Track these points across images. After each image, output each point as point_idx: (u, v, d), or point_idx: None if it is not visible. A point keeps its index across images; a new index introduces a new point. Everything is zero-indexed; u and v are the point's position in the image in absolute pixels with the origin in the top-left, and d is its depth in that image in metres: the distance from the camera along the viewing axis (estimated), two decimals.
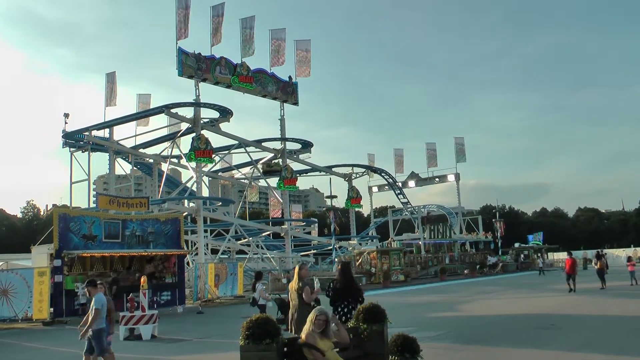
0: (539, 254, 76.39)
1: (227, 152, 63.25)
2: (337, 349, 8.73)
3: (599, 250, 55.27)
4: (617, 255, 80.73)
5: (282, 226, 61.48)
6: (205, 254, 53.08)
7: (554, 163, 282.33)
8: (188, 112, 51.89)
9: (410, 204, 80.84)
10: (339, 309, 12.06)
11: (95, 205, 41.98)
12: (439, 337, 16.30)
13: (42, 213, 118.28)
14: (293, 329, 12.49)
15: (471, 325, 19.30)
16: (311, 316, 8.73)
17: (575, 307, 23.23)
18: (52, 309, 26.99)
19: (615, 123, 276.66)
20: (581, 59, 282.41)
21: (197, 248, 50.87)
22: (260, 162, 64.05)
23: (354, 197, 71.07)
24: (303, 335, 8.56)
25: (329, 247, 61.41)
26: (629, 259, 38.23)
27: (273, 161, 65.13)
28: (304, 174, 72.06)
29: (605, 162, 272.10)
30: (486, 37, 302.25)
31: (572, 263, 33.32)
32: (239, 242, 62.73)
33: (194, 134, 50.05)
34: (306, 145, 64.83)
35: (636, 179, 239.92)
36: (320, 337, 8.52)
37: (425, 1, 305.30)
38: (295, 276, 12.92)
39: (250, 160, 61.83)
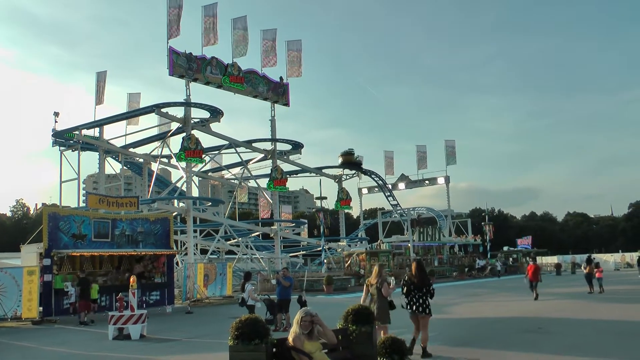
0: (527, 258, 76.54)
1: (217, 152, 63.33)
2: (326, 350, 8.78)
3: (589, 255, 55.24)
4: (606, 260, 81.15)
5: (272, 227, 61.56)
6: (194, 254, 53.04)
7: (544, 168, 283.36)
8: (178, 112, 52.01)
9: (399, 206, 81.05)
10: (414, 299, 13.78)
11: (84, 204, 41.97)
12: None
13: (31, 212, 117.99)
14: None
15: (459, 327, 19.37)
16: (297, 317, 8.79)
17: (562, 311, 23.34)
18: (41, 308, 26.92)
19: (606, 129, 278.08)
20: (573, 65, 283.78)
21: (186, 248, 50.92)
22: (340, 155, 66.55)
23: (343, 198, 71.32)
24: (290, 338, 8.61)
25: (319, 248, 61.48)
26: (597, 265, 37.42)
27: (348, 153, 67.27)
28: (294, 175, 72.23)
29: (595, 167, 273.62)
30: (478, 41, 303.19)
31: (534, 270, 32.05)
32: (229, 242, 62.75)
33: (184, 134, 50.13)
34: (296, 146, 64.95)
35: (625, 184, 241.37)
36: (307, 339, 8.56)
37: (419, 5, 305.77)
38: (374, 273, 14.29)
39: (240, 160, 61.87)
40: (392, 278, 14.82)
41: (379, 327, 12.95)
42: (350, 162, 75.74)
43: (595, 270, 35.43)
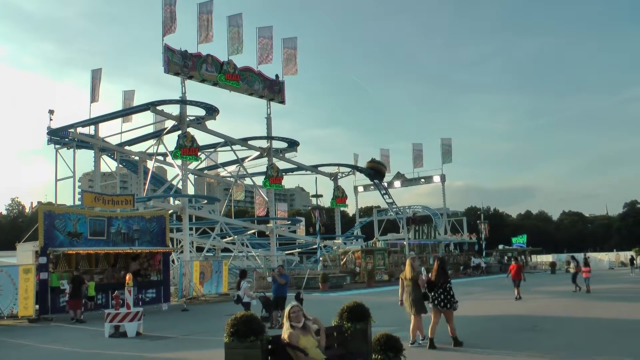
0: (522, 257, 76.68)
1: (213, 150, 63.42)
2: (319, 346, 8.83)
3: (572, 255, 55.19)
4: (600, 259, 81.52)
5: (268, 224, 61.54)
6: (190, 251, 53.13)
7: (540, 167, 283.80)
8: (174, 110, 51.92)
9: (395, 204, 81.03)
10: (436, 294, 14.96)
11: (80, 202, 41.97)
12: None
13: (27, 210, 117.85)
14: (408, 307, 15.26)
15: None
16: (286, 313, 8.89)
17: (557, 309, 23.42)
18: (37, 306, 26.97)
19: (603, 128, 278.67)
20: (571, 64, 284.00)
21: (182, 246, 50.92)
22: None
23: (339, 196, 71.30)
24: (285, 335, 8.67)
25: (314, 246, 61.53)
26: (586, 263, 36.83)
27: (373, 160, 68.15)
28: (290, 173, 72.16)
29: (591, 167, 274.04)
30: (476, 40, 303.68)
31: (517, 268, 31.55)
32: (224, 240, 62.82)
33: (179, 132, 50.07)
34: (292, 144, 64.97)
35: (621, 184, 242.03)
36: (302, 334, 8.63)
37: (415, 3, 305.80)
38: (408, 267, 15.48)
39: (236, 158, 61.88)
40: (424, 268, 15.79)
41: (416, 316, 15.12)
42: (377, 169, 77.10)
43: (582, 269, 35.03)
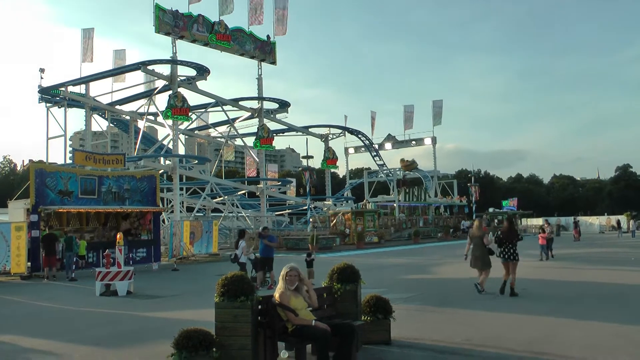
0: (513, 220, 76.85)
1: (203, 110, 63.26)
2: (310, 308, 8.93)
3: (546, 219, 54.77)
4: (591, 222, 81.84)
5: (258, 185, 61.58)
6: (180, 211, 53.20)
7: (532, 129, 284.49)
8: (165, 70, 51.65)
9: (386, 166, 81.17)
10: (506, 249, 16.99)
11: (71, 161, 41.88)
12: (412, 298, 16.57)
13: (18, 168, 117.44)
14: (472, 262, 17.63)
15: (443, 287, 19.63)
16: (282, 273, 8.92)
17: (546, 273, 23.53)
18: (29, 264, 27.12)
19: (597, 90, 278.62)
20: (566, 24, 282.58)
21: (172, 205, 50.96)
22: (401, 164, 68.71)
23: (330, 157, 71.27)
24: (277, 294, 8.73)
25: (304, 207, 61.66)
26: (542, 229, 32.62)
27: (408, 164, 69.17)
28: (281, 134, 72.14)
29: (583, 130, 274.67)
30: None
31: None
32: (215, 200, 62.86)
33: (170, 92, 49.86)
34: (283, 105, 64.85)
35: (613, 147, 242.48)
36: (294, 295, 8.71)
37: None
38: (475, 227, 17.94)
39: (227, 119, 61.71)
40: (491, 233, 18.59)
41: (482, 270, 17.31)
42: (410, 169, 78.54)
43: (538, 235, 32.09)
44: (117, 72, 56.85)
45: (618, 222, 67.17)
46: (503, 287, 16.92)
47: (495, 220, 76.10)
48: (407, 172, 78.94)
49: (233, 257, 21.91)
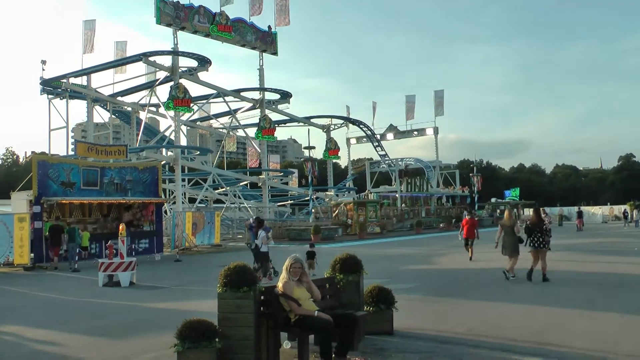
0: (514, 210, 76.84)
1: (205, 101, 63.20)
2: (313, 299, 8.91)
3: (543, 209, 54.45)
4: (594, 212, 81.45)
5: (260, 176, 61.57)
6: (182, 202, 53.22)
7: (534, 119, 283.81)
8: (166, 61, 51.61)
9: (388, 156, 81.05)
10: (535, 237, 17.60)
11: (73, 152, 41.95)
12: (414, 289, 16.53)
13: (21, 160, 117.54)
14: (503, 250, 18.52)
15: (445, 278, 19.63)
16: (287, 264, 8.89)
17: (550, 264, 23.52)
18: (32, 255, 27.20)
19: (599, 79, 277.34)
20: (567, 14, 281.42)
21: (174, 197, 51.00)
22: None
23: (332, 148, 71.17)
24: (280, 284, 8.72)
25: (306, 198, 61.66)
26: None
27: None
28: (282, 125, 72.05)
29: (585, 119, 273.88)
30: None
31: (470, 225, 25.97)
32: (217, 191, 62.86)
33: (172, 83, 49.83)
34: (285, 96, 64.81)
35: (616, 138, 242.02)
36: (297, 285, 8.70)
37: None
38: (506, 216, 19.02)
39: (228, 109, 61.70)
40: (519, 221, 19.53)
41: (511, 257, 18.13)
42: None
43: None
44: (119, 63, 56.85)
45: (624, 213, 66.30)
46: (530, 274, 17.54)
47: (497, 210, 76.15)
48: (356, 174, 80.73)
49: (254, 247, 21.59)
